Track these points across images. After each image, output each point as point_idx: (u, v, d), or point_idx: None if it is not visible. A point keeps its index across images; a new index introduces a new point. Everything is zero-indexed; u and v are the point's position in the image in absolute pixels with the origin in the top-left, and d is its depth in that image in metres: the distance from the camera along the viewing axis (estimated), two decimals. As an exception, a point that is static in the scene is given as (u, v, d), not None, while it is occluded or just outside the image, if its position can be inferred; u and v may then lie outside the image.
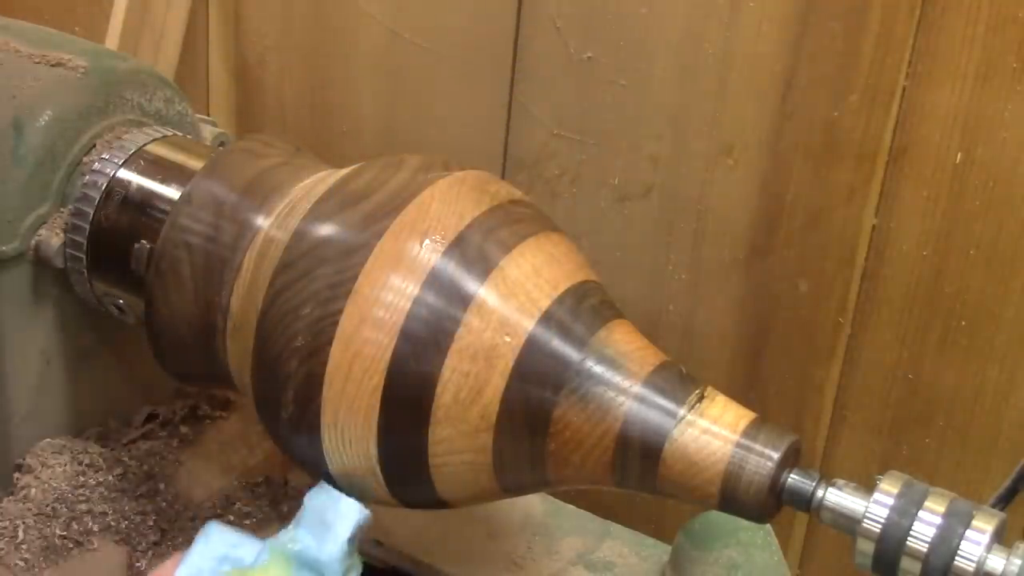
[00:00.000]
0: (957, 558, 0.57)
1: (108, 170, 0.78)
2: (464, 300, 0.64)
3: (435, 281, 0.64)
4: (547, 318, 0.64)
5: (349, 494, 0.69)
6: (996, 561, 0.57)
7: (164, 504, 0.83)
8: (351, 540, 0.66)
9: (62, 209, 0.78)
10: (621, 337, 0.66)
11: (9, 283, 0.78)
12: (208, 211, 0.73)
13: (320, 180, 0.72)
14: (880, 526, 0.59)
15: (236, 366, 0.71)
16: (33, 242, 0.78)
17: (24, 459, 0.82)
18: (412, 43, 1.05)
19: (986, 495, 0.79)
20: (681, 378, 0.64)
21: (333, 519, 0.66)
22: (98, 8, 1.17)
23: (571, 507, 0.92)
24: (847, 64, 0.88)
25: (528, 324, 0.64)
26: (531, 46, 1.00)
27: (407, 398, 0.64)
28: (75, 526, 0.79)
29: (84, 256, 0.78)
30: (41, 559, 0.77)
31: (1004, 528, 0.59)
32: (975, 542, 0.57)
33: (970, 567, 0.57)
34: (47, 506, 0.79)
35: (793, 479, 0.62)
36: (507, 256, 0.66)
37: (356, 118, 1.11)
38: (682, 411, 0.62)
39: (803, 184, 0.92)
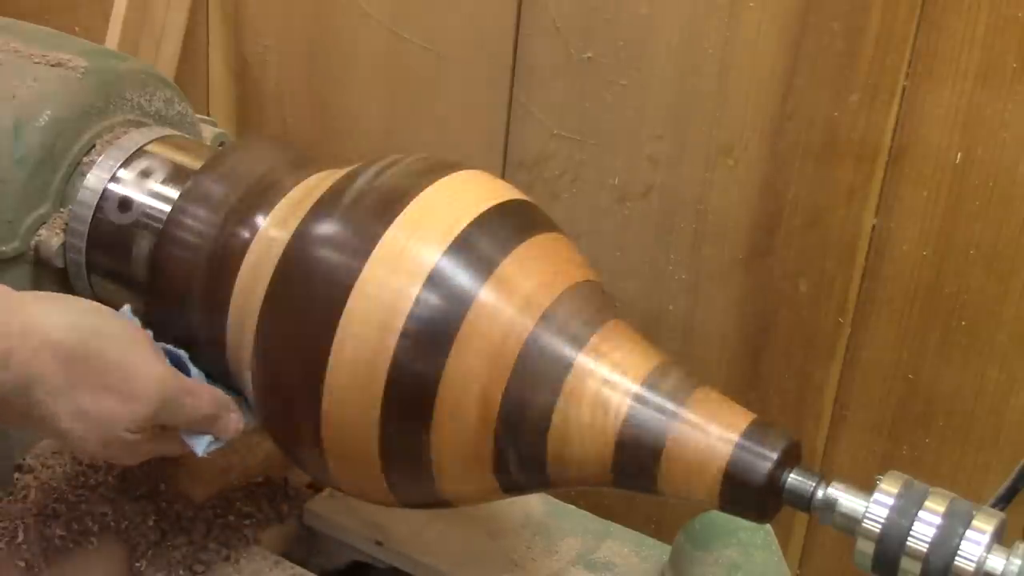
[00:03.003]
0: (957, 558, 0.57)
1: (108, 170, 0.78)
2: (465, 300, 0.64)
3: (436, 281, 0.64)
4: (547, 317, 0.64)
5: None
6: (996, 561, 0.57)
7: (164, 504, 0.83)
8: None
9: (62, 209, 0.78)
10: (621, 337, 0.66)
11: (9, 283, 0.77)
12: (208, 211, 0.73)
13: (320, 180, 0.72)
14: (880, 526, 0.59)
15: (236, 366, 0.71)
16: (33, 242, 0.78)
17: (24, 459, 0.82)
18: (412, 43, 1.05)
19: (986, 495, 0.79)
20: (681, 378, 0.64)
21: None
22: (98, 8, 1.17)
23: (571, 507, 0.92)
24: (847, 64, 0.88)
25: (528, 323, 0.64)
26: (531, 46, 1.00)
27: (408, 397, 0.64)
28: (75, 526, 0.79)
29: (84, 256, 0.78)
30: (41, 559, 0.77)
31: (1004, 528, 0.59)
32: (975, 542, 0.57)
33: (970, 567, 0.57)
34: (47, 506, 0.79)
35: (793, 479, 0.61)
36: (507, 256, 0.66)
37: (356, 118, 1.11)
38: (682, 411, 0.62)
39: (803, 184, 0.92)
